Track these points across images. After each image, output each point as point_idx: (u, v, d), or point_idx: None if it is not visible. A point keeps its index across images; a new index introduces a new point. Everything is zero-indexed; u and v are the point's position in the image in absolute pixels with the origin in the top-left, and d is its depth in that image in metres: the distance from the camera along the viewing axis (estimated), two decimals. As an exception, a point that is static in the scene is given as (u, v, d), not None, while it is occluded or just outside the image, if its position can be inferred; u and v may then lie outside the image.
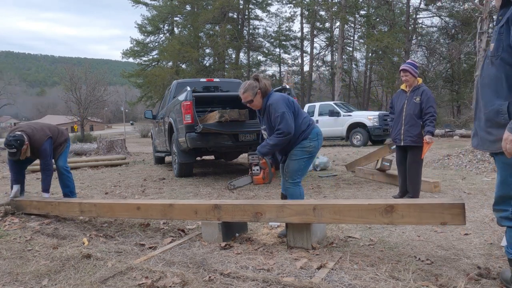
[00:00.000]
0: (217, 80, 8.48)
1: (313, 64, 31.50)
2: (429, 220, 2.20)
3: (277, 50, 33.29)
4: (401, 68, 4.36)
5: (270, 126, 3.04)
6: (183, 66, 30.81)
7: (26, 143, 4.00)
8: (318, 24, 30.79)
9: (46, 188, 4.38)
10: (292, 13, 33.52)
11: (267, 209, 2.72)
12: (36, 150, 4.18)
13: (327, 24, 30.80)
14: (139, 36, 32.73)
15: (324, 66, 32.09)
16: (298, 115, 3.07)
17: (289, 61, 33.64)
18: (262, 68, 33.69)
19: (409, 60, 4.46)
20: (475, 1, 17.77)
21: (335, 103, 15.80)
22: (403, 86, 4.47)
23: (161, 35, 33.11)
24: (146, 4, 31.41)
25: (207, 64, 31.66)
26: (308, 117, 3.16)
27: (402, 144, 4.31)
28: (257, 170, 3.00)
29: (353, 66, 30.84)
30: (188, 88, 5.99)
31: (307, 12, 29.87)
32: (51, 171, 4.37)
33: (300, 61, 32.90)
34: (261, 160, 2.98)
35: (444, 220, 2.15)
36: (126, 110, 59.65)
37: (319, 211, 2.52)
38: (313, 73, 32.33)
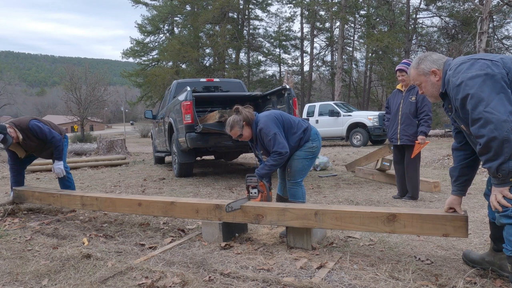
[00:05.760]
0: (217, 80, 8.48)
1: (313, 64, 31.50)
2: (431, 231, 2.21)
3: (277, 50, 33.27)
4: (397, 68, 4.37)
5: (265, 149, 3.05)
6: (183, 66, 30.76)
7: (9, 127, 3.91)
8: (318, 24, 30.79)
9: (59, 157, 4.19)
10: (292, 13, 33.62)
11: (268, 211, 2.72)
12: (31, 133, 4.01)
13: (327, 24, 30.82)
14: (139, 36, 32.81)
15: (324, 66, 32.12)
16: (291, 125, 3.05)
17: (289, 61, 33.65)
18: (262, 68, 33.75)
19: (404, 60, 4.46)
20: (475, 1, 17.77)
21: (335, 103, 15.81)
22: (399, 86, 4.48)
23: (161, 35, 33.11)
24: (146, 4, 31.41)
25: (207, 64, 31.63)
26: (302, 122, 3.14)
27: (398, 143, 4.33)
28: (255, 193, 2.93)
29: (353, 66, 30.79)
30: (188, 88, 5.99)
31: (307, 12, 29.86)
32: (59, 145, 4.14)
33: (300, 61, 32.92)
34: (259, 183, 2.94)
35: (446, 232, 2.16)
36: (126, 110, 59.67)
37: (321, 217, 2.52)
38: (313, 73, 32.33)
